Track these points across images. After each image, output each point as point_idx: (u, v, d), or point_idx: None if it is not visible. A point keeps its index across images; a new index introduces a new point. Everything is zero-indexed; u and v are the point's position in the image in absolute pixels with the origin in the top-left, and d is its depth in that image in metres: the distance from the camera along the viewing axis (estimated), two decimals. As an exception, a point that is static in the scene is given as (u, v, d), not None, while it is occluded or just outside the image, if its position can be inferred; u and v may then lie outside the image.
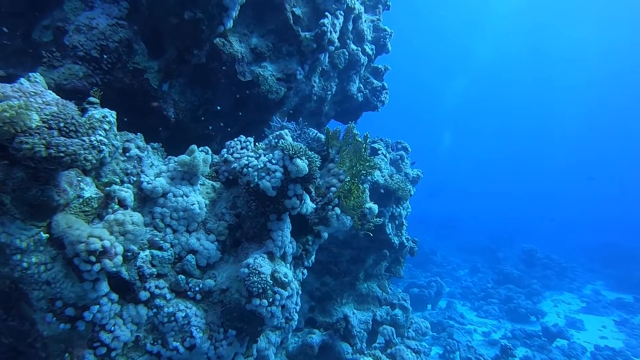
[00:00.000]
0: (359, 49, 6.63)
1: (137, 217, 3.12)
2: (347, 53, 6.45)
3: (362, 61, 6.69)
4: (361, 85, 7.11)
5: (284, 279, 3.59)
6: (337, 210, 4.04)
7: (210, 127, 5.35)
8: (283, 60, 5.42)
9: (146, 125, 5.02)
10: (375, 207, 4.19)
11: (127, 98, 4.73)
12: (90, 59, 4.40)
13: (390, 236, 6.18)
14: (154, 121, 5.06)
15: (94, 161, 3.21)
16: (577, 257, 25.56)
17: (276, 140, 3.89)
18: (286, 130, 3.94)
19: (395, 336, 6.38)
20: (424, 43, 69.37)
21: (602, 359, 11.12)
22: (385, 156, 6.64)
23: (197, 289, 3.64)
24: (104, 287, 2.94)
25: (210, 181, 4.12)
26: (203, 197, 3.92)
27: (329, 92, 6.52)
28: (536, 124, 75.41)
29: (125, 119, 4.90)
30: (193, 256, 3.67)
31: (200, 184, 4.00)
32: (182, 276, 3.60)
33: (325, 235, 4.62)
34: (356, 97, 7.02)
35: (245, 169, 3.78)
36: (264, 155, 3.74)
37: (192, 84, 5.16)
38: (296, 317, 5.13)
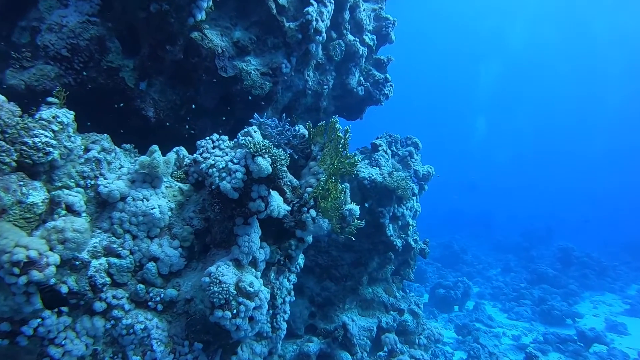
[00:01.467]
0: (357, 39, 6.25)
1: (80, 223, 2.90)
2: (343, 44, 6.08)
3: (360, 52, 6.30)
4: (362, 79, 6.71)
5: (249, 288, 3.29)
6: (313, 212, 3.71)
7: (194, 127, 5.12)
8: (269, 53, 5.12)
9: (128, 127, 4.86)
10: (356, 209, 3.83)
11: (103, 98, 4.56)
12: (62, 59, 4.25)
13: (392, 238, 5.78)
14: (136, 122, 4.88)
15: (40, 163, 3.03)
16: (620, 255, 24.00)
17: (244, 138, 3.59)
18: (255, 127, 3.65)
19: (398, 344, 5.97)
20: (450, 29, 67.37)
21: (644, 367, 10.23)
22: (385, 153, 6.23)
23: (158, 299, 3.40)
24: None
25: (179, 183, 3.88)
26: (169, 201, 3.68)
27: (326, 87, 6.17)
28: (574, 114, 71.30)
29: (102, 120, 4.78)
30: (154, 264, 3.43)
31: (166, 187, 3.76)
32: (142, 285, 3.36)
33: (309, 239, 4.29)
34: (356, 90, 6.63)
35: (210, 170, 3.51)
36: (229, 155, 3.45)
37: (173, 82, 4.94)
38: (284, 325, 4.83)
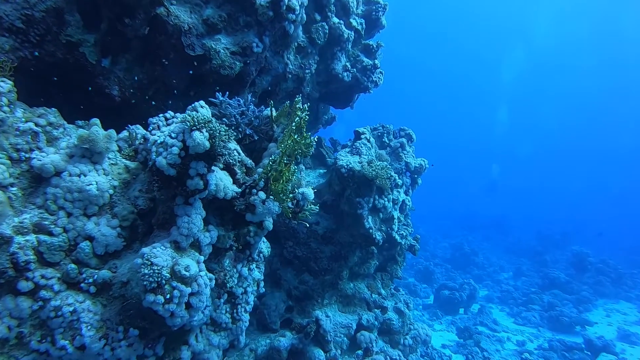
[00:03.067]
0: (342, 22, 5.96)
1: (-7, 195, 2.71)
2: (327, 27, 5.80)
3: (346, 36, 6.01)
4: (348, 64, 6.42)
5: (184, 272, 3.06)
6: (262, 194, 3.45)
7: (163, 108, 4.91)
8: (241, 32, 4.89)
9: (93, 106, 4.69)
10: (310, 192, 3.56)
11: (64, 74, 4.40)
12: (17, 30, 4.08)
13: (371, 231, 5.47)
14: (100, 101, 4.71)
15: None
16: None
17: (186, 113, 3.36)
18: (202, 102, 3.40)
19: (374, 343, 5.66)
20: (471, 17, 65.54)
21: (654, 379, 9.65)
22: (368, 141, 5.93)
23: (90, 280, 3.19)
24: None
25: (126, 161, 3.67)
26: (112, 178, 3.48)
27: (307, 71, 5.90)
28: (600, 110, 68.43)
29: (67, 98, 4.62)
30: (89, 243, 3.22)
31: (111, 164, 3.56)
32: (74, 265, 3.16)
33: (269, 226, 4.03)
34: (342, 76, 6.34)
35: (152, 146, 3.29)
36: (167, 129, 3.23)
37: (141, 60, 4.75)
38: (245, 317, 4.59)
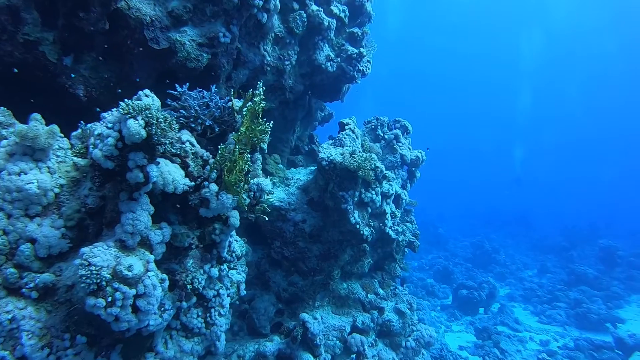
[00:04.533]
0: (322, 10, 5.69)
1: None
2: (304, 15, 5.54)
3: (326, 24, 5.73)
4: (331, 54, 6.13)
5: (126, 272, 2.82)
6: (213, 187, 3.20)
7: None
8: (208, 23, 4.68)
9: (60, 107, 4.55)
10: (266, 183, 3.29)
11: (25, 74, 4.27)
12: (-30, 31, 3.99)
13: (358, 226, 5.15)
14: (66, 102, 4.56)
15: None
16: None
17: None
18: (146, 91, 3.18)
19: (365, 346, 5.31)
20: None
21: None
22: (352, 132, 5.61)
23: (32, 285, 3.00)
24: None
25: (76, 158, 3.47)
26: (59, 176, 3.29)
27: (287, 63, 5.64)
28: (628, 93, 65.57)
29: (32, 100, 4.49)
30: (30, 245, 3.03)
31: (59, 162, 3.37)
32: (13, 270, 2.97)
33: (235, 222, 3.78)
34: (325, 67, 6.06)
35: (91, 138, 3.09)
36: (105, 120, 3.01)
37: (107, 57, 4.59)
38: (220, 321, 4.34)
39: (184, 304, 3.68)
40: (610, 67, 63.93)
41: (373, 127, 7.18)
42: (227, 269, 4.19)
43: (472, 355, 10.77)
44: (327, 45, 6.06)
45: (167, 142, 2.89)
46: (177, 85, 3.97)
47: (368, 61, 6.46)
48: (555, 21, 62.58)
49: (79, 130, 3.68)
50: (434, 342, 6.62)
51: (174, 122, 2.98)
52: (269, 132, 3.35)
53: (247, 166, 3.16)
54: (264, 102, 3.37)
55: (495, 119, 77.19)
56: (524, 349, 11.28)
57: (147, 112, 2.77)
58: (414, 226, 8.00)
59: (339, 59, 6.23)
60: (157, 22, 4.45)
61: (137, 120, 2.74)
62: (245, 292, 4.88)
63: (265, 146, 3.98)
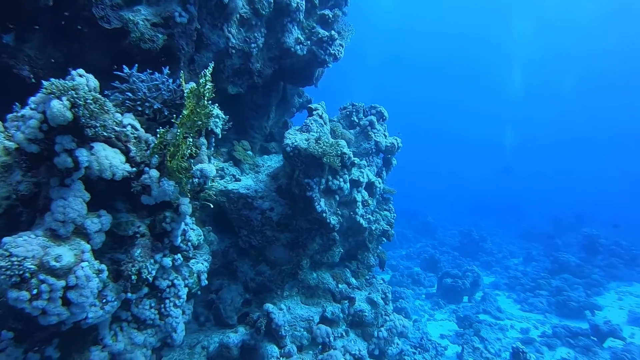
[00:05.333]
0: (289, -11, 5.47)
1: None
2: (271, -5, 5.32)
3: (294, 5, 5.51)
4: (301, 37, 5.92)
5: (53, 263, 2.65)
6: (154, 173, 3.02)
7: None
8: (163, 2, 4.46)
9: (5, 88, 4.32)
10: (210, 169, 3.12)
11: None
12: None
13: (324, 215, 5.00)
14: (11, 83, 4.33)
15: None
16: (658, 243, 22.00)
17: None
18: (80, 70, 2.97)
19: (331, 337, 5.21)
20: None
21: (665, 365, 8.95)
22: (320, 117, 5.44)
23: (-46, 278, 2.82)
24: None
25: (7, 142, 3.27)
26: (-10, 162, 3.09)
27: (254, 45, 5.43)
28: (616, 96, 65.75)
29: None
30: (-47, 236, 2.85)
31: (-12, 147, 3.17)
32: None
33: (187, 210, 3.61)
34: (294, 50, 5.85)
35: (15, 120, 2.89)
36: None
37: (55, 36, 4.35)
38: (175, 312, 4.19)
39: (131, 295, 3.53)
40: (601, 61, 63.87)
41: (348, 113, 7.01)
42: (181, 259, 4.02)
43: (453, 343, 10.75)
44: (296, 28, 5.85)
45: (98, 125, 2.70)
46: (124, 66, 3.77)
47: (340, 45, 6.25)
48: (547, 13, 62.12)
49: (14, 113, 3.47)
50: (408, 332, 6.54)
51: (108, 103, 2.78)
52: (215, 115, 3.15)
53: (189, 151, 2.98)
54: (210, 84, 3.17)
55: (486, 107, 77.28)
56: (504, 337, 11.29)
57: (74, 92, 2.57)
58: (393, 214, 7.87)
59: (309, 42, 6.02)
60: (108, 0, 4.22)
61: (62, 101, 2.55)
62: (206, 282, 4.73)
63: (218, 131, 3.80)
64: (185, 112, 3.05)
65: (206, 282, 4.76)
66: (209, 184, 3.17)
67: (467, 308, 13.43)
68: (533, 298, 14.37)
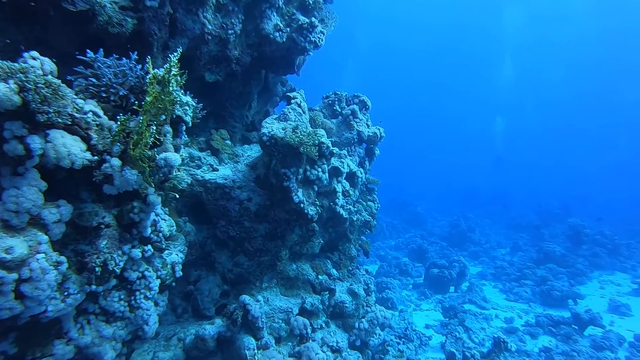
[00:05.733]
0: (267, -27, 5.32)
1: None
2: (248, -21, 5.17)
3: (273, -11, 5.37)
4: (280, 23, 5.77)
5: (4, 255, 2.54)
6: (115, 161, 2.91)
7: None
8: (134, -16, 4.28)
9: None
10: (175, 158, 3.01)
11: None
12: None
13: (302, 205, 4.91)
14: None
15: None
16: (641, 233, 22.35)
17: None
18: (34, 52, 2.83)
19: (308, 329, 5.15)
20: None
21: (642, 352, 9.06)
22: (299, 106, 5.32)
23: None
24: None
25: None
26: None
27: (231, 32, 5.28)
28: (608, 65, 65.44)
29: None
30: None
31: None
32: None
33: (153, 200, 3.50)
34: (273, 37, 5.71)
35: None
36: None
37: (17, 18, 4.17)
38: (146, 304, 4.09)
39: (97, 287, 3.43)
40: (590, 51, 64.04)
41: (330, 102, 6.90)
42: (152, 250, 3.92)
43: (438, 333, 10.80)
44: (275, 14, 5.70)
45: (51, 110, 2.57)
46: (88, 51, 3.63)
47: (321, 32, 6.12)
48: (538, 1, 61.91)
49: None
50: (389, 323, 6.52)
51: (64, 88, 2.65)
52: (185, 103, 3.04)
53: (152, 139, 2.86)
54: (175, 70, 3.05)
55: (478, 96, 77.42)
56: (489, 327, 11.38)
57: (22, 75, 2.44)
58: (377, 205, 7.82)
59: (289, 29, 5.87)
60: (74, -19, 4.04)
61: (9, 84, 2.42)
62: (181, 273, 4.64)
63: (188, 119, 3.68)
64: (148, 98, 2.93)
65: (181, 273, 4.67)
66: (174, 174, 3.06)
67: (453, 298, 13.52)
68: (518, 288, 14.50)
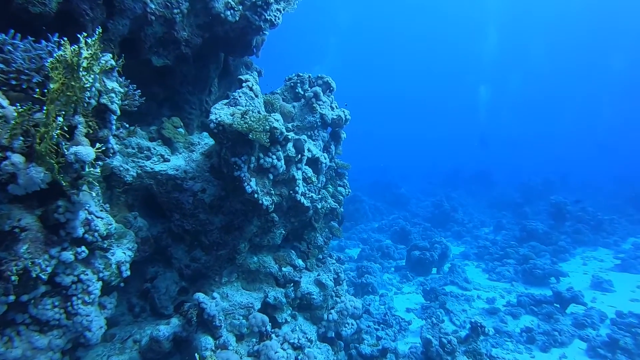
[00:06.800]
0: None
1: None
2: (191, -48, 4.77)
3: (220, -36, 4.98)
4: (231, 1, 5.38)
5: None
6: (17, 158, 2.57)
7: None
8: (56, -42, 3.87)
9: None
10: (87, 152, 2.68)
11: None
12: None
13: (256, 196, 4.61)
14: None
15: None
16: (623, 208, 22.47)
17: None
18: None
19: (267, 326, 4.91)
20: None
21: (623, 328, 9.03)
22: (250, 89, 4.98)
23: None
24: None
25: None
26: None
27: (177, 11, 4.89)
28: (592, 52, 65.67)
29: None
30: None
31: None
32: None
33: (79, 198, 3.18)
34: (225, 16, 5.33)
35: None
36: None
37: None
38: (85, 309, 3.77)
39: (20, 296, 3.12)
40: (575, 22, 63.90)
41: (292, 84, 6.56)
42: (87, 251, 3.61)
43: (418, 317, 10.71)
44: (225, -10, 5.31)
45: None
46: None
47: (278, 10, 5.74)
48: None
49: None
50: (360, 313, 6.31)
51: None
52: (110, 89, 2.69)
53: (56, 132, 2.53)
54: (86, 51, 2.70)
55: (462, 69, 77.06)
56: (470, 308, 11.31)
57: None
58: (347, 190, 7.56)
59: (241, 7, 5.48)
60: (-15, -44, 3.63)
61: None
62: (128, 272, 4.35)
63: (115, 107, 3.34)
64: (53, 85, 2.58)
65: (128, 272, 4.38)
66: (88, 170, 2.74)
67: (434, 280, 13.43)
68: (501, 267, 14.47)
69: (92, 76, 2.79)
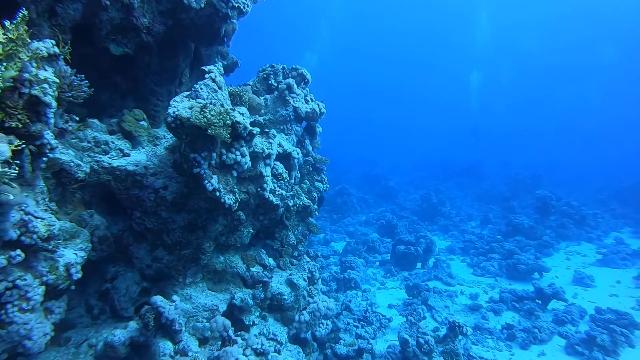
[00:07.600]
0: None
1: None
2: None
3: (182, -54, 4.66)
4: (195, -14, 5.07)
5: None
6: None
7: None
8: None
9: None
10: (3, 148, 2.39)
11: None
12: None
13: (217, 194, 4.34)
14: None
15: None
16: (607, 202, 22.53)
17: None
18: None
19: (230, 330, 4.68)
20: None
21: (601, 325, 8.93)
22: (213, 81, 4.70)
23: None
24: None
25: None
26: None
27: (135, -4, 4.58)
28: (583, 42, 65.66)
29: None
30: None
31: None
32: None
33: (8, 199, 2.90)
34: (188, 2, 5.00)
35: None
36: None
37: None
38: (22, 317, 3.51)
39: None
40: (566, 10, 63.81)
41: (265, 75, 6.27)
42: (22, 255, 3.33)
43: (400, 314, 10.54)
44: (189, -25, 5.00)
45: None
46: None
47: (246, -6, 5.44)
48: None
49: None
50: (332, 313, 6.10)
51: None
52: (43, 79, 2.40)
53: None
54: (6, 34, 2.41)
55: (454, 56, 76.77)
56: (452, 304, 11.17)
57: None
58: (325, 186, 7.33)
59: (207, -7, 5.19)
60: None
61: None
62: (79, 274, 4.08)
63: (48, 99, 3.05)
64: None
65: (79, 275, 4.11)
66: (2, 169, 2.46)
67: (418, 275, 13.28)
68: (486, 262, 14.37)
69: (15, 64, 2.50)
